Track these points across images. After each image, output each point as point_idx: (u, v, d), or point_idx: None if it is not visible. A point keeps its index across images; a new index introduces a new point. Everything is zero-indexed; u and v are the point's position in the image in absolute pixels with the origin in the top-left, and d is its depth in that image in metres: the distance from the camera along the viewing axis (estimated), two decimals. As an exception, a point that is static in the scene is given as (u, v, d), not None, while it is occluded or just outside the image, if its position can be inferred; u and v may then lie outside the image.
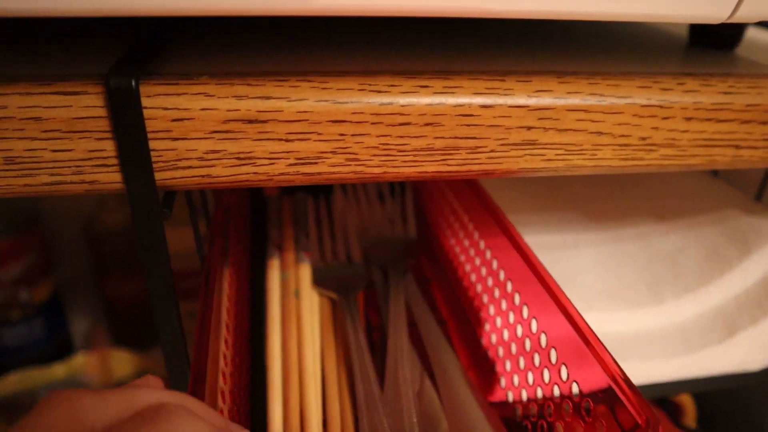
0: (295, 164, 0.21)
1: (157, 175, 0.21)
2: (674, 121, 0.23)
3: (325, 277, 0.36)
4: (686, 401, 0.42)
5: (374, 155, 0.21)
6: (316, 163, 0.21)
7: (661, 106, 0.22)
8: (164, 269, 0.22)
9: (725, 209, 0.36)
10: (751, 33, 0.34)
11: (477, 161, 0.22)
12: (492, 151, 0.22)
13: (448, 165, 0.22)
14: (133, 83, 0.19)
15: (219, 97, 0.20)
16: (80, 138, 0.19)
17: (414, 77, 0.21)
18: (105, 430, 0.17)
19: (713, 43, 0.29)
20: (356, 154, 0.21)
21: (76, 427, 0.17)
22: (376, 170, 0.22)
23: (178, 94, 0.20)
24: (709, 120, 0.23)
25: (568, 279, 0.34)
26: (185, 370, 0.24)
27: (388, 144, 0.21)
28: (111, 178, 0.21)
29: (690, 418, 0.42)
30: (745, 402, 0.60)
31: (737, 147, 0.24)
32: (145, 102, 0.20)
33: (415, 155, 0.21)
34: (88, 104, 0.19)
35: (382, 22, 0.30)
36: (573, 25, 0.32)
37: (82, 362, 0.58)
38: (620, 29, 0.32)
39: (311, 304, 0.34)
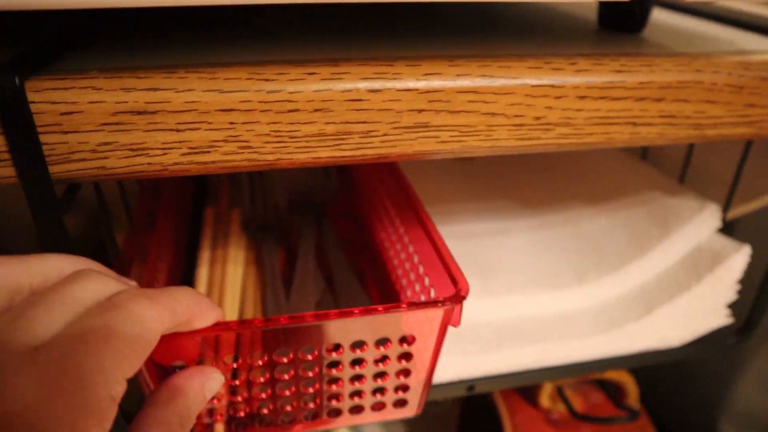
0: (189, 153, 0.21)
1: (52, 168, 0.21)
2: (567, 100, 0.23)
3: (252, 219, 0.40)
4: (628, 382, 0.42)
5: (266, 142, 0.22)
6: (208, 152, 0.21)
7: (552, 86, 0.23)
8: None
9: (650, 192, 0.36)
10: (664, 17, 0.34)
11: (371, 145, 0.22)
12: (385, 134, 0.22)
13: (342, 150, 0.22)
14: (17, 80, 0.19)
15: (107, 90, 0.20)
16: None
17: (302, 65, 0.21)
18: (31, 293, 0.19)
19: (620, 26, 0.30)
20: (248, 141, 0.21)
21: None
22: (270, 157, 0.22)
23: (66, 89, 0.20)
24: (602, 98, 0.24)
25: (496, 264, 0.35)
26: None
27: (279, 131, 0.21)
28: (5, 172, 0.21)
29: (632, 398, 0.43)
30: (687, 378, 0.61)
31: (634, 124, 0.25)
32: (32, 97, 0.20)
33: (307, 141, 0.22)
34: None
35: (282, 14, 0.30)
36: (489, 12, 0.33)
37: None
38: (535, 16, 0.32)
39: (237, 241, 0.37)
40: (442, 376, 0.30)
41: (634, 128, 0.25)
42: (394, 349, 0.24)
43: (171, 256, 0.33)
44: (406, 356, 0.25)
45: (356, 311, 0.23)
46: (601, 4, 0.30)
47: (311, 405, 0.26)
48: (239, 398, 0.25)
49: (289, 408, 0.26)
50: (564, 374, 0.31)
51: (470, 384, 0.30)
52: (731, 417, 0.55)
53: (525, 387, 0.42)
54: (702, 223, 0.33)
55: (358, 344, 0.24)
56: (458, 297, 0.24)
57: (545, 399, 0.40)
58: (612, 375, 0.41)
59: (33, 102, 0.20)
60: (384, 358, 0.25)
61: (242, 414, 0.26)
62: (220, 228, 0.38)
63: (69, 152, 0.21)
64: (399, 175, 0.32)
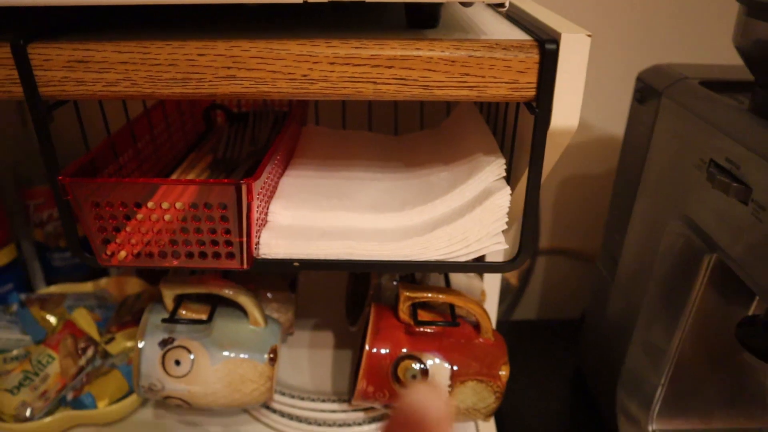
0: (109, 85, 0.39)
1: (41, 90, 0.40)
2: (322, 64, 0.38)
3: (221, 161, 0.55)
4: (482, 318, 0.53)
5: (150, 83, 0.39)
6: (118, 85, 0.39)
7: (310, 55, 0.38)
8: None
9: (480, 154, 0.49)
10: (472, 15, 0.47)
11: (202, 87, 0.39)
12: (210, 81, 0.39)
13: (186, 89, 0.39)
14: (22, 42, 0.39)
15: (64, 50, 0.39)
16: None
17: (188, 40, 0.38)
18: None
19: (420, 24, 0.43)
20: (136, 82, 0.39)
21: None
22: (148, 90, 0.39)
23: (45, 47, 0.39)
24: (347, 65, 0.38)
25: (346, 195, 0.49)
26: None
27: (155, 76, 0.39)
28: (16, 91, 0.40)
29: (486, 331, 0.54)
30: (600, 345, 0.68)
31: (374, 83, 0.39)
32: (30, 51, 0.39)
33: (168, 83, 0.39)
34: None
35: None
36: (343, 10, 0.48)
37: (105, 282, 0.79)
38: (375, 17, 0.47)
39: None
40: (276, 252, 0.45)
41: (375, 86, 0.39)
42: (217, 212, 0.40)
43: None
44: (225, 218, 0.41)
45: (188, 181, 0.39)
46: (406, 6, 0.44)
47: (175, 247, 0.42)
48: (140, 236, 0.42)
49: (164, 248, 0.42)
50: (366, 267, 0.45)
51: (295, 261, 0.44)
52: (623, 380, 0.63)
53: (393, 304, 0.55)
54: (490, 171, 0.45)
55: (195, 205, 0.40)
56: (244, 182, 0.39)
57: (401, 313, 0.53)
58: (465, 306, 0.53)
59: (30, 54, 0.39)
60: (212, 218, 0.41)
61: (138, 249, 0.43)
62: (190, 166, 0.56)
63: (48, 81, 0.40)
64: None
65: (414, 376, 0.52)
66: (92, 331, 0.69)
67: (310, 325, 0.74)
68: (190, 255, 0.43)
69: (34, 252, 0.82)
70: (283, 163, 0.53)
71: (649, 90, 0.60)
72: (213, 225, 0.41)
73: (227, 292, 0.53)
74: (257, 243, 0.44)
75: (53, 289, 0.79)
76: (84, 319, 0.70)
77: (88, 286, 0.79)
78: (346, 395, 0.62)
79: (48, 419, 0.61)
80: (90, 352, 0.68)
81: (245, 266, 0.43)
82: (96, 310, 0.75)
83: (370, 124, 0.66)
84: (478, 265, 0.45)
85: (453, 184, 0.47)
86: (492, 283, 0.65)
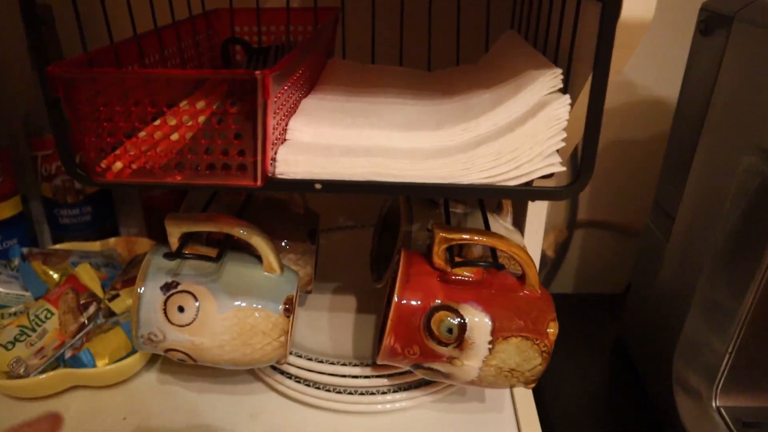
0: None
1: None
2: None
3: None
4: (527, 267, 0.47)
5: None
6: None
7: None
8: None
9: (527, 71, 0.42)
10: None
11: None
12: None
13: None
14: None
15: None
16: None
17: None
18: None
19: None
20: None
21: None
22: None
23: None
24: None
25: (381, 114, 0.43)
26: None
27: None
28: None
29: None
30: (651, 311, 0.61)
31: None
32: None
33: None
34: None
35: None
36: None
37: (113, 242, 0.74)
38: None
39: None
40: (294, 170, 0.38)
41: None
42: (228, 116, 0.34)
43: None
44: (237, 120, 0.35)
45: (199, 72, 0.33)
46: None
47: (179, 158, 0.37)
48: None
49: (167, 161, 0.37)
50: (397, 190, 0.39)
51: (316, 182, 0.38)
52: (681, 350, 0.56)
53: (426, 252, 0.49)
54: (544, 83, 0.39)
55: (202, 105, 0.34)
56: (261, 73, 0.33)
57: (436, 258, 0.46)
58: (509, 251, 0.46)
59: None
60: (222, 121, 0.35)
61: (137, 162, 0.37)
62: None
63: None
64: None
65: (450, 330, 0.45)
66: (96, 286, 0.64)
67: (330, 285, 0.68)
68: (195, 168, 0.37)
69: (42, 209, 0.78)
70: (306, 87, 0.47)
71: (716, 18, 0.53)
72: (223, 130, 0.35)
73: (239, 231, 0.47)
74: (273, 159, 0.38)
75: (59, 246, 0.74)
76: (87, 274, 0.65)
77: (95, 245, 0.74)
78: (370, 360, 0.56)
79: (42, 376, 0.56)
80: (92, 308, 0.63)
81: (258, 183, 0.37)
82: (102, 269, 0.69)
83: (402, 60, 0.60)
84: (531, 190, 0.38)
85: (498, 102, 0.41)
86: (534, 239, 0.58)
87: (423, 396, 0.56)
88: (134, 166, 0.37)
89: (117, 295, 0.64)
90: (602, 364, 0.71)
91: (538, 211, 0.57)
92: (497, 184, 0.38)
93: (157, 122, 0.36)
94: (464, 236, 0.46)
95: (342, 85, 0.49)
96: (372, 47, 0.61)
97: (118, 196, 0.81)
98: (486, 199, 0.54)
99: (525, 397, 0.59)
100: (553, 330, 0.47)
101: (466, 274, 0.47)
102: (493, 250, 0.48)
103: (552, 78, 0.39)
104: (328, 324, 0.62)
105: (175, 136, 0.36)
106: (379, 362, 0.49)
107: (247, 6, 0.63)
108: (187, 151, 0.36)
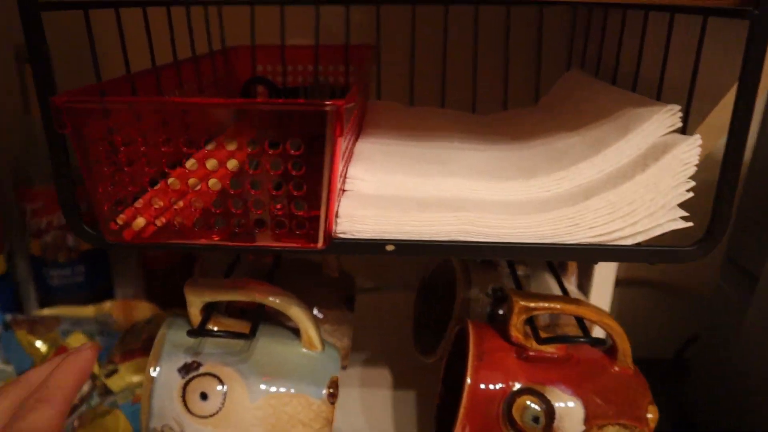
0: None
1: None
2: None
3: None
4: (620, 340, 0.39)
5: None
6: None
7: None
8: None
9: (624, 109, 0.36)
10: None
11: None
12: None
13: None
14: None
15: None
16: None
17: None
18: None
19: None
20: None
21: None
22: None
23: None
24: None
25: (455, 160, 0.36)
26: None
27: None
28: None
29: (624, 357, 0.40)
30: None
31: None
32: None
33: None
34: None
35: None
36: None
37: (109, 306, 0.66)
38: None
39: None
40: (361, 228, 0.31)
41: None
42: (286, 157, 0.27)
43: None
44: (297, 165, 0.27)
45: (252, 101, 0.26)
46: None
47: (218, 213, 0.29)
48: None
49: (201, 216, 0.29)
50: (488, 252, 0.31)
51: (388, 242, 0.31)
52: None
53: (500, 320, 0.41)
54: (659, 121, 0.32)
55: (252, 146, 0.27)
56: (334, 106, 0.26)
57: (514, 331, 0.39)
58: (599, 322, 0.39)
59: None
60: (277, 166, 0.27)
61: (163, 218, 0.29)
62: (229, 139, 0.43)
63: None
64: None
65: (536, 419, 0.37)
66: (90, 361, 0.55)
67: (363, 357, 0.59)
68: (240, 225, 0.29)
69: (28, 268, 0.69)
70: (355, 132, 0.40)
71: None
72: (277, 178, 0.28)
73: (274, 301, 0.39)
74: (336, 214, 0.30)
75: (47, 311, 0.64)
76: (81, 346, 0.56)
77: (89, 310, 0.65)
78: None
79: (26, 474, 0.46)
80: (86, 387, 0.53)
81: (320, 245, 0.29)
82: (97, 338, 0.60)
83: (443, 103, 0.53)
84: (653, 251, 0.31)
85: (596, 147, 0.34)
86: (601, 303, 0.51)
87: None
88: (160, 222, 0.29)
89: (115, 371, 0.55)
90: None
91: (607, 272, 0.50)
92: (609, 243, 0.31)
93: (191, 164, 0.28)
94: (547, 305, 0.38)
95: (393, 129, 0.42)
96: (411, 88, 0.55)
97: (115, 254, 0.72)
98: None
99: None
100: (653, 416, 0.39)
101: (549, 350, 0.39)
102: (580, 321, 0.40)
103: (669, 115, 0.32)
104: (364, 403, 0.53)
105: (213, 182, 0.28)
106: (444, 458, 0.40)
107: (268, 42, 0.56)
108: (230, 204, 0.28)
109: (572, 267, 0.50)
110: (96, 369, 0.55)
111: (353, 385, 0.55)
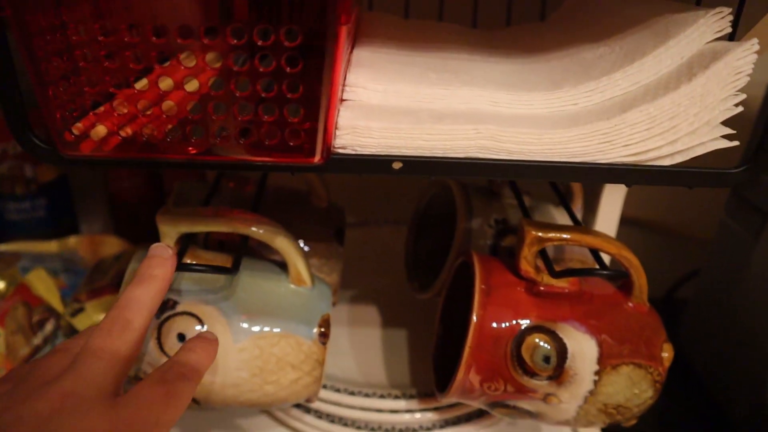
0: None
1: None
2: None
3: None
4: (637, 274, 0.36)
5: None
6: None
7: None
8: None
9: (663, 17, 0.31)
10: None
11: None
12: None
13: None
14: None
15: None
16: None
17: None
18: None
19: None
20: None
21: None
22: None
23: None
24: None
25: (470, 70, 0.31)
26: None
27: None
28: None
29: (640, 293, 0.37)
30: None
31: None
32: None
33: None
34: None
35: None
36: None
37: (75, 242, 0.61)
38: None
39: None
40: (364, 142, 0.27)
41: None
42: (279, 50, 0.22)
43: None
44: (293, 60, 0.23)
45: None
46: None
47: (196, 121, 0.24)
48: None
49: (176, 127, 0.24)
50: (512, 173, 0.27)
51: (395, 159, 0.27)
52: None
53: (509, 252, 0.38)
54: (706, 26, 0.28)
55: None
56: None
57: (524, 263, 0.35)
58: (616, 253, 0.35)
59: None
60: (268, 62, 0.23)
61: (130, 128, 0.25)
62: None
63: None
64: None
65: (547, 359, 0.34)
66: (53, 298, 0.51)
67: (353, 295, 0.56)
68: (221, 135, 0.24)
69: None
70: (349, 37, 0.35)
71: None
72: (268, 77, 0.23)
73: (258, 231, 0.35)
74: (335, 125, 0.26)
75: (5, 247, 0.59)
76: (43, 283, 0.51)
77: (52, 246, 0.60)
78: (410, 389, 0.45)
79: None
80: (49, 326, 0.49)
81: (317, 159, 0.25)
82: (61, 275, 0.56)
83: (441, 16, 0.48)
84: (697, 173, 0.27)
85: (630, 56, 0.30)
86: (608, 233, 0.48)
87: (476, 431, 0.45)
88: (125, 133, 0.24)
89: (81, 309, 0.51)
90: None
91: (613, 201, 0.47)
92: (647, 163, 0.27)
93: (165, 65, 0.23)
94: (563, 235, 0.35)
95: (393, 39, 0.37)
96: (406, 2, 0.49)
97: (79, 187, 0.67)
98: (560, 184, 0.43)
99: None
100: (668, 354, 0.36)
101: (561, 284, 0.35)
102: (595, 254, 0.37)
103: (717, 19, 0.28)
104: (354, 344, 0.50)
105: (192, 85, 0.23)
106: (445, 400, 0.37)
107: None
108: (210, 109, 0.24)
109: (578, 198, 0.47)
110: (60, 308, 0.51)
111: (342, 324, 0.52)
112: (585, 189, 0.47)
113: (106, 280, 0.53)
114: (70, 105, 0.24)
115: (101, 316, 0.51)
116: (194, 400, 0.36)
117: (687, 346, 0.63)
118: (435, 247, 0.48)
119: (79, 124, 0.24)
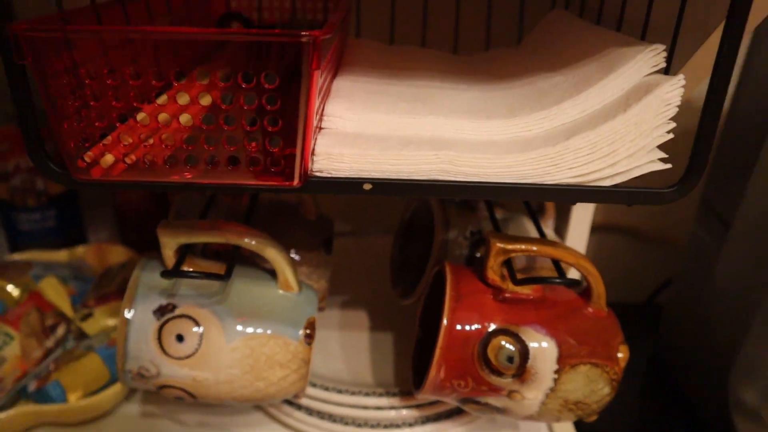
0: None
1: None
2: None
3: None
4: (595, 282, 0.40)
5: None
6: None
7: None
8: None
9: (609, 49, 0.35)
10: None
11: None
12: None
13: None
14: None
15: None
16: None
17: None
18: None
19: None
20: None
21: None
22: None
23: None
24: None
25: (437, 100, 0.35)
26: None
27: None
28: None
29: (598, 298, 0.40)
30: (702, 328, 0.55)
31: None
32: None
33: None
34: None
35: None
36: None
37: (83, 251, 0.64)
38: None
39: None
40: (338, 166, 0.30)
41: None
42: (260, 91, 0.26)
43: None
44: (272, 99, 0.26)
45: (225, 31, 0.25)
46: None
47: (191, 150, 0.28)
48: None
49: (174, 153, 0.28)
50: (469, 192, 0.31)
51: (366, 181, 0.30)
52: (739, 368, 0.49)
53: (477, 262, 0.41)
54: (643, 61, 0.32)
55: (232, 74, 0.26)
56: (310, 37, 0.25)
57: (491, 272, 0.39)
58: (575, 263, 0.39)
59: None
60: (252, 100, 0.26)
61: (134, 155, 0.28)
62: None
63: None
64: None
65: (510, 359, 0.38)
66: (64, 304, 0.55)
67: (341, 300, 0.59)
68: (212, 162, 0.28)
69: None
70: (333, 69, 0.38)
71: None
72: (252, 114, 0.27)
73: (249, 242, 0.39)
74: (312, 152, 0.30)
75: (18, 256, 0.63)
76: (54, 290, 0.55)
77: (61, 255, 0.64)
78: (394, 388, 0.48)
79: (2, 415, 0.46)
80: (60, 330, 0.53)
81: (296, 183, 0.28)
82: (71, 283, 0.60)
83: (424, 42, 0.52)
84: (631, 192, 0.31)
85: (579, 86, 0.33)
86: (578, 246, 0.51)
87: (455, 427, 0.49)
88: (129, 160, 0.28)
89: (90, 315, 0.54)
90: (637, 377, 0.65)
91: (583, 216, 0.50)
92: (588, 184, 0.31)
93: (162, 100, 0.27)
94: (524, 247, 0.38)
95: (373, 68, 0.40)
96: (391, 28, 0.53)
97: (87, 199, 0.71)
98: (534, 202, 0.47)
99: (565, 428, 0.52)
100: (623, 355, 0.40)
101: (525, 291, 0.39)
102: (556, 264, 0.40)
103: (653, 55, 0.31)
104: (342, 346, 0.54)
105: (185, 118, 0.27)
106: (420, 396, 0.41)
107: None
108: (202, 140, 0.27)
109: (550, 210, 0.50)
110: (70, 313, 0.55)
111: (332, 328, 0.56)
112: (556, 204, 0.50)
113: (112, 287, 0.57)
114: (81, 136, 0.28)
115: (109, 321, 0.55)
116: (191, 395, 0.39)
117: (663, 348, 0.66)
118: (418, 256, 0.51)
119: (90, 153, 0.28)
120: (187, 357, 0.38)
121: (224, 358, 0.38)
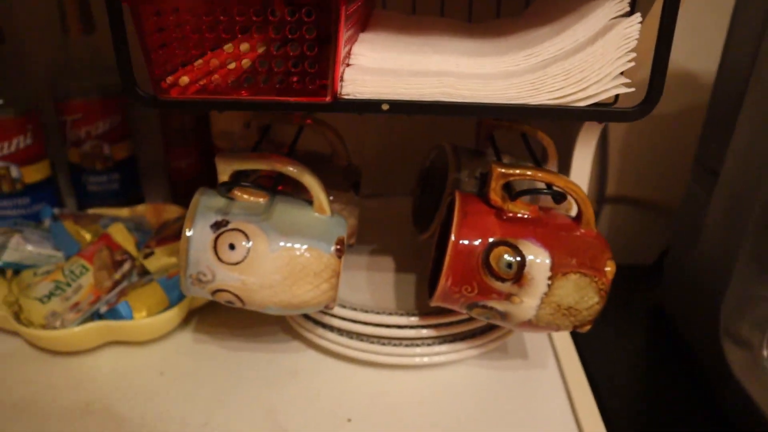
0: None
1: None
2: None
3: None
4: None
5: None
6: None
7: None
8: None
9: (590, 4, 0.42)
10: None
11: None
12: None
13: None
14: None
15: None
16: None
17: None
18: None
19: None
20: None
21: None
22: None
23: None
24: None
25: (445, 44, 0.43)
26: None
27: None
28: None
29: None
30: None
31: None
32: None
33: None
34: None
35: None
36: None
37: (142, 209, 0.74)
38: None
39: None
40: (361, 90, 0.38)
41: None
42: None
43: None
44: (310, 29, 0.34)
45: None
46: None
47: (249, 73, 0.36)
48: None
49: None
50: (466, 112, 0.38)
51: (384, 102, 0.38)
52: (729, 302, 0.55)
53: (481, 191, 0.48)
54: (609, 8, 0.39)
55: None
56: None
57: (493, 194, 0.46)
58: (566, 188, 0.46)
59: None
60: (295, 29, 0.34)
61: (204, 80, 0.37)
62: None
63: None
64: None
65: (509, 265, 0.44)
66: (129, 245, 0.63)
67: (369, 248, 0.67)
68: (265, 82, 0.36)
69: (67, 176, 0.77)
70: (358, 30, 0.46)
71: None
72: (298, 42, 0.35)
73: (291, 170, 0.47)
74: (341, 79, 0.37)
75: (89, 211, 0.73)
76: (121, 234, 0.64)
77: (124, 212, 0.74)
78: (415, 311, 0.55)
79: (78, 328, 0.55)
80: (126, 266, 0.62)
81: (329, 99, 0.36)
82: (133, 233, 0.69)
83: (443, 12, 0.59)
84: (601, 111, 0.38)
85: (561, 30, 0.40)
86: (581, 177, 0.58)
87: (468, 349, 0.55)
88: (201, 83, 0.37)
89: (152, 253, 0.63)
90: (642, 330, 0.71)
91: (583, 160, 0.57)
92: (565, 104, 0.38)
93: (228, 47, 0.35)
94: (521, 171, 0.45)
95: (393, 26, 0.48)
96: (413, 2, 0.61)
97: (145, 164, 0.80)
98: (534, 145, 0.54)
99: (568, 352, 0.59)
100: (610, 269, 0.46)
101: (523, 212, 0.46)
102: (550, 188, 0.47)
103: (618, 2, 0.38)
104: (369, 282, 0.61)
105: (245, 47, 0.35)
106: (433, 304, 0.48)
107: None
108: (258, 65, 0.36)
109: (552, 157, 0.57)
110: (135, 252, 0.63)
111: (360, 268, 0.63)
112: (558, 149, 0.57)
113: (170, 232, 0.66)
114: (165, 64, 0.37)
115: (168, 259, 0.63)
116: (239, 299, 0.47)
117: (665, 301, 0.72)
118: (434, 199, 0.59)
119: (170, 77, 0.36)
120: (238, 263, 0.46)
121: (268, 265, 0.46)
